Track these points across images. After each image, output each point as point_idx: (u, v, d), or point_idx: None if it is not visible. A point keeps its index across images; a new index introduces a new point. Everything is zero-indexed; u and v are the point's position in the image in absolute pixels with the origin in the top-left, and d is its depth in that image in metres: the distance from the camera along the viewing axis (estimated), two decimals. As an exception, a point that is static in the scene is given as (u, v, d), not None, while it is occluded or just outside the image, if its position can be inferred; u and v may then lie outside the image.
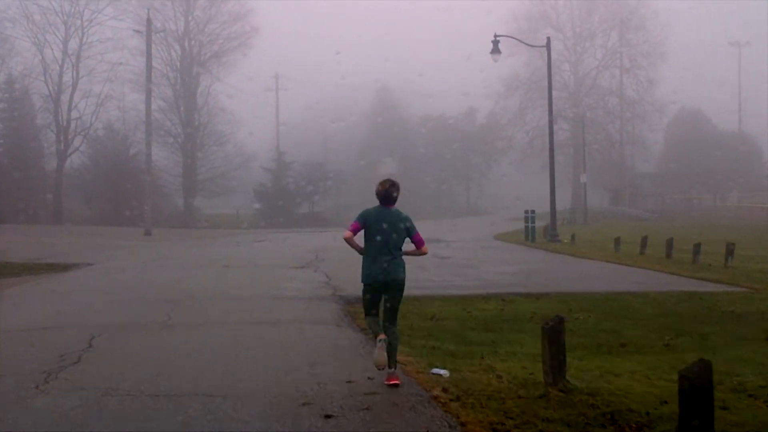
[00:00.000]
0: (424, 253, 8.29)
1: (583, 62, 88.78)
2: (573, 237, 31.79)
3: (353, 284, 11.55)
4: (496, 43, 34.02)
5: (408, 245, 8.09)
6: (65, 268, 21.79)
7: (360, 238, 7.96)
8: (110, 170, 57.52)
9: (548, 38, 38.18)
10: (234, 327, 11.49)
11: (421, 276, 17.87)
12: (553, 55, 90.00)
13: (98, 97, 59.53)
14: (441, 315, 12.51)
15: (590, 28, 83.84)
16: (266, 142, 76.10)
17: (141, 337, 10.67)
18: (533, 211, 34.69)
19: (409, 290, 14.44)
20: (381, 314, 8.00)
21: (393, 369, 7.71)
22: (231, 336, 10.70)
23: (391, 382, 7.59)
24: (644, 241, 25.14)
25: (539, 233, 34.39)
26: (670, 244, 23.35)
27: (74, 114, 60.14)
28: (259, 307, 13.68)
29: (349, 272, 14.30)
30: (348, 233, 7.84)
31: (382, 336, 7.63)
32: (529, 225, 34.24)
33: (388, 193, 7.97)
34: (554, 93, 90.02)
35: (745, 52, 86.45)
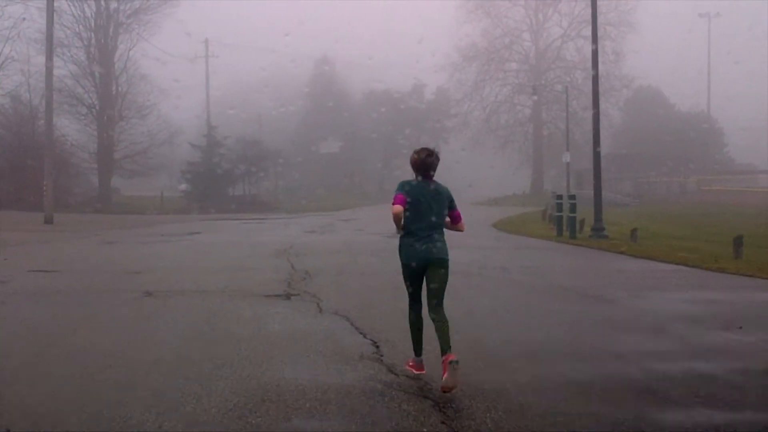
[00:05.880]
0: (461, 230, 7.15)
1: (545, 32, 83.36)
2: (634, 232, 22.68)
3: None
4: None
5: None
6: None
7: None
8: (11, 144, 49.44)
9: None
10: None
11: (536, 332, 9.05)
12: (513, 24, 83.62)
13: (-2, 58, 50.27)
14: None
15: (555, -9, 78.64)
16: (194, 117, 68.30)
17: None
18: (572, 197, 25.07)
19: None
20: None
21: (448, 350, 6.35)
22: None
23: (450, 360, 6.19)
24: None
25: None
26: None
27: (-31, 78, 50.81)
28: None
29: (393, 313, 8.46)
30: (399, 207, 6.68)
31: (452, 357, 6.24)
32: (566, 215, 24.59)
33: (426, 162, 6.85)
34: (513, 65, 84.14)
35: (716, 24, 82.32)
